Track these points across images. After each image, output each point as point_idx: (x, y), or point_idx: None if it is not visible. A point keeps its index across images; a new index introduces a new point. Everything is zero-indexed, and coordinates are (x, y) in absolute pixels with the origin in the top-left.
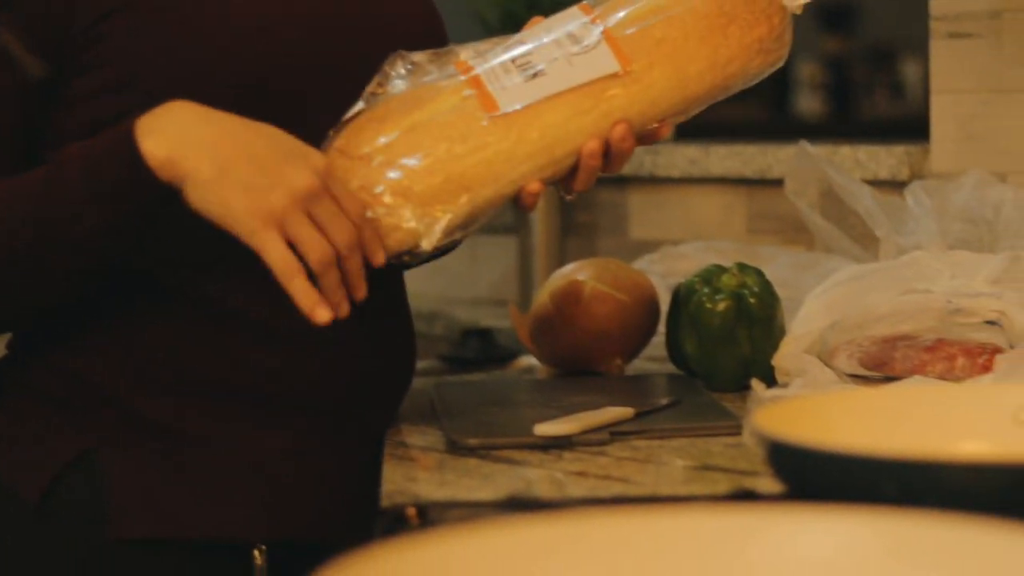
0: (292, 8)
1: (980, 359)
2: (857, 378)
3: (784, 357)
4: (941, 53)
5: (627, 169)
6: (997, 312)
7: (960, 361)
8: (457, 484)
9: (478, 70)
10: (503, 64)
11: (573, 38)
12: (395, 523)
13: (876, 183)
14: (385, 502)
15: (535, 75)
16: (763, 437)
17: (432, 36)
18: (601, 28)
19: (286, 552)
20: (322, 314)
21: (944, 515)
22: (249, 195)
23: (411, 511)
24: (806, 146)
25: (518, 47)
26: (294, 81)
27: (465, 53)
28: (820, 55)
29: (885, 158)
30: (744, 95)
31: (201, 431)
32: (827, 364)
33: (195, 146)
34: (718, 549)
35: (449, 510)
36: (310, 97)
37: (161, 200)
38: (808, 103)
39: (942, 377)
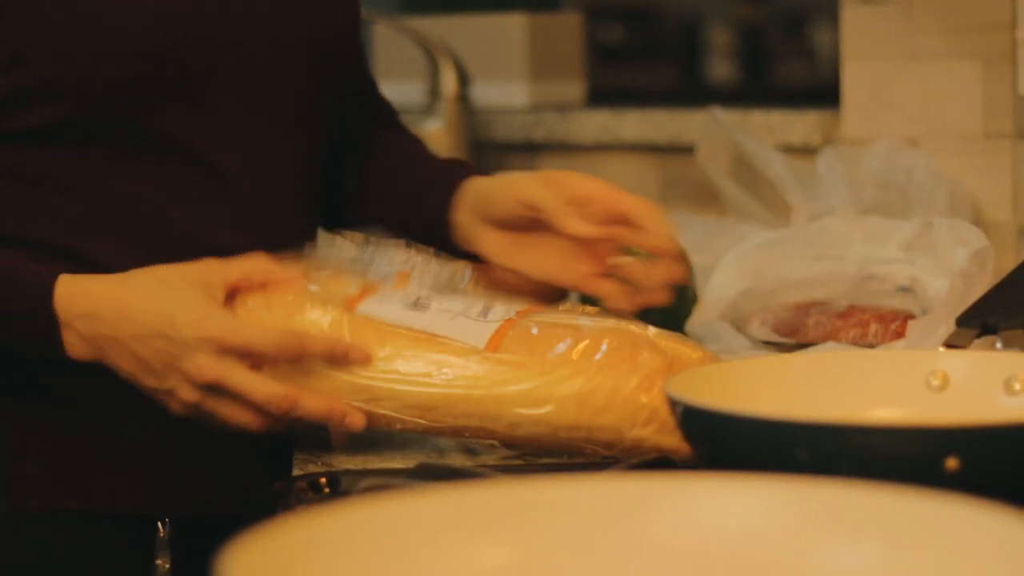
0: None
1: (893, 325)
2: (770, 344)
3: (697, 324)
4: (853, 19)
5: (538, 136)
6: (909, 278)
7: (873, 327)
8: (369, 453)
9: (387, 282)
10: (406, 291)
11: (482, 309)
12: (307, 492)
13: (788, 149)
14: (297, 471)
15: (416, 308)
16: (677, 403)
17: (341, 11)
18: (510, 316)
19: (194, 524)
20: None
21: (858, 481)
22: (163, 398)
23: (323, 480)
24: (717, 112)
25: (447, 296)
26: (190, 57)
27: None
28: (732, 21)
29: (797, 124)
30: (656, 60)
31: (103, 402)
32: (740, 331)
33: (108, 352)
34: (632, 517)
35: (361, 479)
36: (210, 74)
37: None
38: (720, 69)
39: (855, 343)
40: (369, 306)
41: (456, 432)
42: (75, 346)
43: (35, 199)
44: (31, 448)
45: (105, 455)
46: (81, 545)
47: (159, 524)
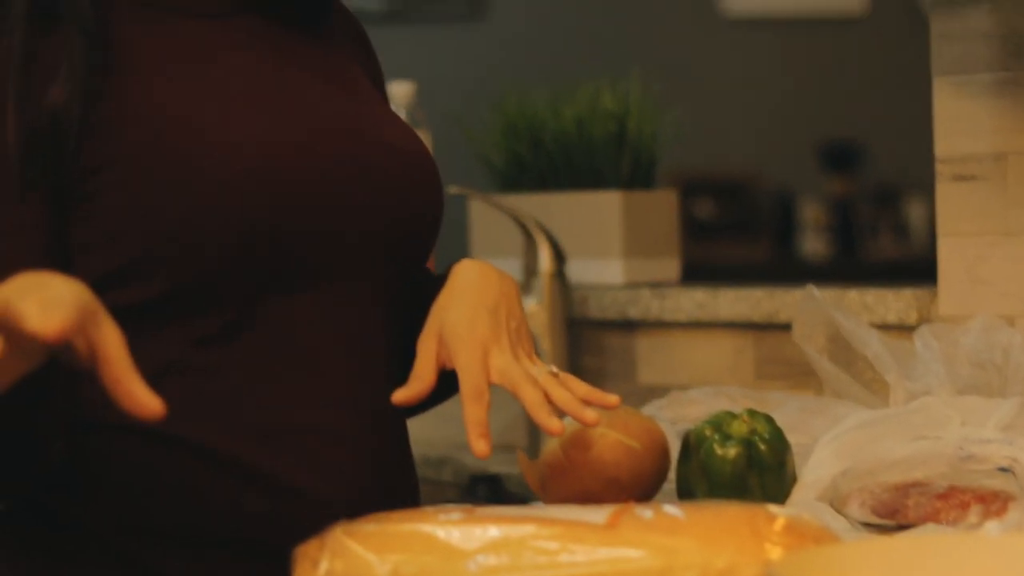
0: (283, 156)
1: (993, 506)
2: (870, 526)
3: (795, 505)
4: (947, 195)
5: (635, 313)
6: (1009, 459)
7: (974, 508)
8: None
9: None
10: None
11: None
12: None
13: (884, 327)
14: None
15: None
16: None
17: (430, 179)
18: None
19: None
20: None
21: None
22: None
23: None
24: (813, 290)
25: None
26: (289, 228)
27: None
28: (824, 196)
29: (893, 302)
30: (749, 235)
31: None
32: (839, 512)
33: None
34: None
35: None
36: (303, 258)
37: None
38: (813, 244)
39: (956, 524)
40: None
41: None
42: None
43: None
44: None
45: None
46: None
47: None
